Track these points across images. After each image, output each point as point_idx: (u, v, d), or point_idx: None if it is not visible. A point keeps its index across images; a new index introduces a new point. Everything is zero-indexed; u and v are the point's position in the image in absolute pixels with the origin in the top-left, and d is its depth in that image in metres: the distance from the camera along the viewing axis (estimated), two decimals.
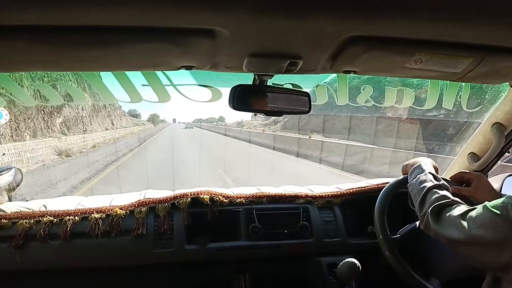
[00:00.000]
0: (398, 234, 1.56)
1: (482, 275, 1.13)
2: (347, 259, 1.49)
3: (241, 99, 1.26)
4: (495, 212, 0.97)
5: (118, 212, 1.59)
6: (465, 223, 1.04)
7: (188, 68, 1.18)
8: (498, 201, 0.99)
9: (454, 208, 1.14)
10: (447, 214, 1.13)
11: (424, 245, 1.52)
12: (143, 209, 1.62)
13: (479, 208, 1.04)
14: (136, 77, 1.40)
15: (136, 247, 1.57)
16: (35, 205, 1.62)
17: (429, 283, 1.44)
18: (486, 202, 1.02)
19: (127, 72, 1.38)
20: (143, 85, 1.42)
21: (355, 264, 1.46)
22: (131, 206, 1.63)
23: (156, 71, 1.38)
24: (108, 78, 1.37)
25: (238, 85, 1.25)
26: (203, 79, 1.47)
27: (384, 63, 1.16)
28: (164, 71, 1.38)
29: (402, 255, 1.46)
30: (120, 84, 1.38)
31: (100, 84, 1.39)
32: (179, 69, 1.19)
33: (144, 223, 1.59)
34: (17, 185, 1.90)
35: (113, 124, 31.04)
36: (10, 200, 1.81)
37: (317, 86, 1.56)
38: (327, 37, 0.96)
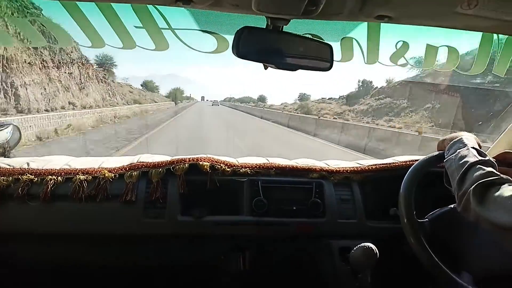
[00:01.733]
0: (426, 218, 1.35)
1: None
2: (362, 244, 1.29)
3: (248, 44, 1.06)
4: None
5: (106, 175, 1.42)
6: None
7: (186, 2, 0.98)
8: None
9: (504, 187, 0.93)
10: (495, 194, 0.93)
11: (458, 232, 1.31)
12: (134, 173, 1.45)
13: None
14: (128, 17, 1.20)
15: (123, 215, 1.41)
16: (17, 162, 1.47)
17: (459, 276, 1.24)
18: None
19: (117, 11, 1.18)
20: (136, 27, 1.22)
21: (372, 250, 1.26)
22: (121, 169, 1.46)
23: (150, 10, 1.18)
24: (95, 17, 1.17)
25: (245, 27, 1.04)
26: (206, 24, 1.26)
27: (428, 5, 0.95)
28: (159, 9, 1.17)
29: (429, 243, 1.27)
30: (110, 24, 1.18)
31: (86, 24, 1.19)
32: (176, 3, 0.99)
33: (134, 188, 1.43)
34: (10, 147, 1.75)
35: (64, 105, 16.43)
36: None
37: (342, 39, 1.32)
38: None
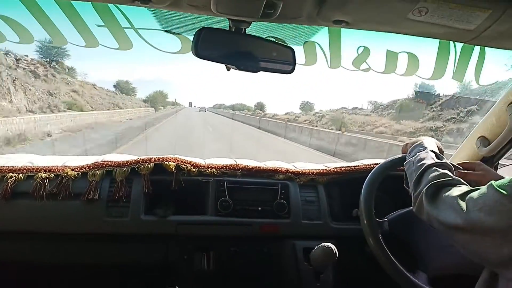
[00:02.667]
0: (385, 219, 1.38)
1: (477, 275, 0.95)
2: (322, 244, 1.31)
3: (207, 45, 1.06)
4: (502, 193, 0.78)
5: (69, 173, 1.41)
6: (463, 205, 0.86)
7: (143, 1, 0.99)
8: (506, 179, 0.80)
9: (454, 188, 0.95)
10: (445, 194, 0.95)
11: (414, 233, 1.35)
12: (98, 172, 1.44)
13: (483, 188, 0.84)
14: (89, 16, 1.19)
15: (85, 213, 1.40)
16: None
17: (414, 276, 1.26)
18: (492, 181, 0.82)
19: (78, 9, 1.18)
20: (98, 25, 1.21)
21: (331, 249, 1.28)
22: (84, 168, 1.45)
23: (112, 9, 1.17)
24: (55, 14, 1.16)
25: (204, 27, 1.05)
26: (169, 25, 1.26)
27: (381, 11, 0.98)
28: (120, 8, 1.17)
29: (388, 243, 1.29)
30: (70, 22, 1.17)
31: (46, 21, 1.18)
32: (134, 2, 0.99)
33: (98, 187, 1.42)
34: None
35: None
36: None
37: (305, 43, 1.34)
38: None
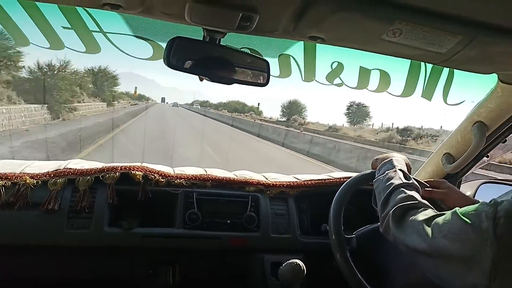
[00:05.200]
0: (353, 234, 1.38)
1: None
2: (291, 260, 1.29)
3: (179, 54, 1.03)
4: (466, 221, 0.79)
5: (27, 181, 1.33)
6: (429, 230, 0.87)
7: (114, 7, 0.94)
8: (471, 207, 0.81)
9: (420, 211, 0.97)
10: (411, 218, 0.96)
11: (382, 250, 1.35)
12: (60, 180, 1.36)
13: (448, 214, 0.86)
14: (54, 17, 1.12)
15: (44, 225, 1.32)
16: None
17: None
18: (457, 208, 0.84)
19: (43, 10, 1.11)
20: (64, 27, 1.15)
21: (300, 266, 1.27)
22: (45, 176, 1.37)
23: (79, 12, 1.12)
24: (18, 14, 1.09)
25: (177, 37, 1.01)
26: (140, 30, 1.21)
27: (356, 30, 0.98)
28: (89, 11, 1.12)
29: (355, 259, 1.29)
30: (35, 23, 1.11)
31: (7, 20, 1.11)
32: (103, 7, 0.94)
33: (58, 197, 1.34)
34: None
35: None
36: None
37: (280, 56, 1.33)
38: None
